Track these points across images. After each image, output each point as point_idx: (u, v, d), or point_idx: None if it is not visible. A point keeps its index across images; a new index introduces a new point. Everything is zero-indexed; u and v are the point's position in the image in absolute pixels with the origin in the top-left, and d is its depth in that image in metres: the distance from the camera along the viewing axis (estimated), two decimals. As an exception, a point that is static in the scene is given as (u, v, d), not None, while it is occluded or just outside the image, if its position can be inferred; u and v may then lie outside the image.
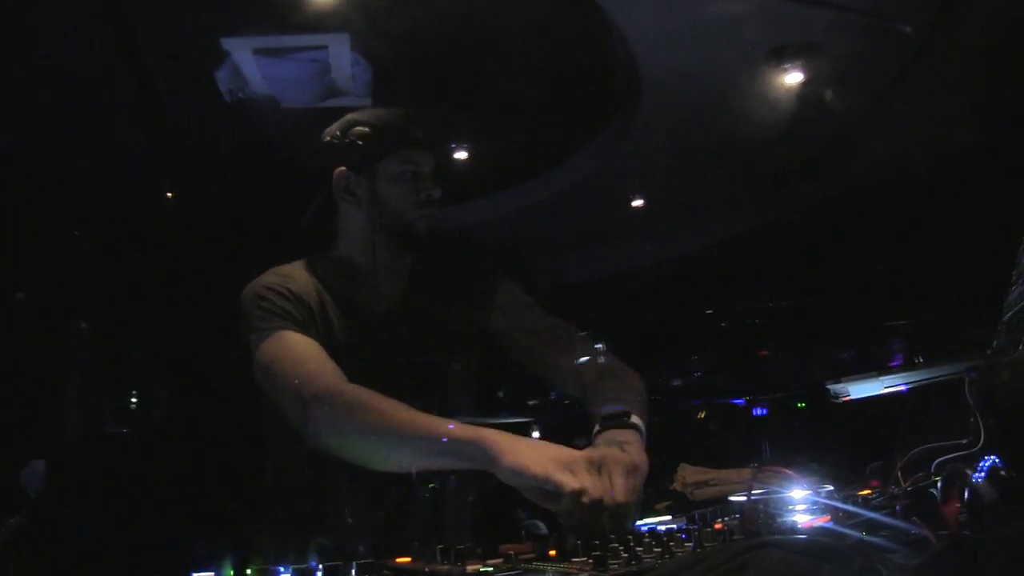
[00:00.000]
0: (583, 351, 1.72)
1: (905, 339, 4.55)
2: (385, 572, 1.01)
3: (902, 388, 1.80)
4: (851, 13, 3.18)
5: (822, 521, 1.20)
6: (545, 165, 4.96)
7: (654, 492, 1.91)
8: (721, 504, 1.59)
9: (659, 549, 1.03)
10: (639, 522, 1.36)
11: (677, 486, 1.95)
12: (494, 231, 5.39)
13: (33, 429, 3.46)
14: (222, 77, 3.21)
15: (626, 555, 0.99)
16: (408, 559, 1.14)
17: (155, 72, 3.34)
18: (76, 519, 3.23)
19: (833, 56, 3.49)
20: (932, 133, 4.28)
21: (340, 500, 1.64)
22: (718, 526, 1.23)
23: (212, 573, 1.01)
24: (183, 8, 3.13)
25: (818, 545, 0.94)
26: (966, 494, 1.00)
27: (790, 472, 1.43)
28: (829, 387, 1.94)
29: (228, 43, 3.12)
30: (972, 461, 1.21)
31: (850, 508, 1.18)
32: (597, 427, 1.44)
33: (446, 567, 1.04)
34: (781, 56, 3.44)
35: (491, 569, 1.01)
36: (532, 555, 1.09)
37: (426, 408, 1.40)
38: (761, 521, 1.17)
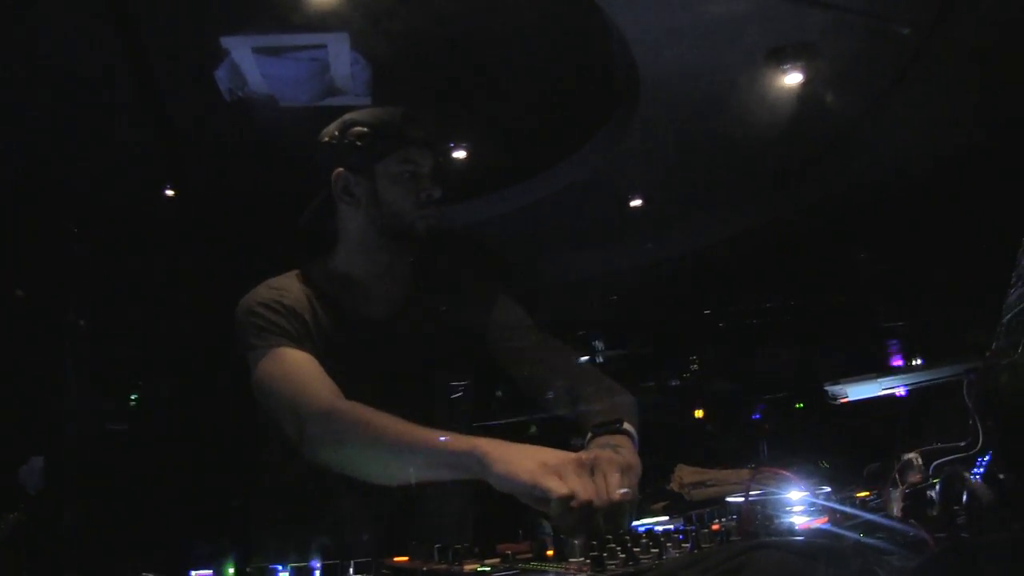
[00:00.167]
0: (576, 369, 1.73)
1: (904, 340, 4.55)
2: (383, 571, 1.01)
3: (900, 390, 1.80)
4: (850, 14, 3.18)
5: (819, 522, 1.20)
6: (544, 164, 4.96)
7: (651, 492, 1.92)
8: (718, 505, 1.59)
9: (656, 550, 1.03)
10: (636, 522, 1.36)
11: (674, 486, 1.95)
12: (493, 230, 5.39)
13: (32, 427, 3.46)
14: (222, 76, 3.20)
15: (623, 555, 0.99)
16: (406, 558, 1.14)
17: (156, 71, 3.33)
18: (74, 516, 3.23)
19: (832, 57, 3.50)
20: (931, 134, 4.29)
21: (338, 500, 1.64)
22: (715, 527, 1.23)
23: (211, 572, 1.01)
24: (183, 7, 3.12)
25: (815, 546, 0.94)
26: (964, 496, 1.00)
27: (787, 473, 1.43)
28: (827, 388, 1.95)
29: (228, 42, 3.12)
30: (970, 463, 1.21)
31: (847, 509, 1.18)
32: (590, 434, 1.45)
33: (443, 566, 1.04)
34: (780, 57, 3.44)
35: (488, 569, 1.01)
36: (529, 555, 1.09)
37: (422, 415, 1.41)
38: (758, 522, 1.17)
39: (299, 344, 1.58)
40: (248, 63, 3.16)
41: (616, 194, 5.21)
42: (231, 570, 1.01)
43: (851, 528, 1.08)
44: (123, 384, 4.34)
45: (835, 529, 1.10)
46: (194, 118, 3.79)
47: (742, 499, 1.32)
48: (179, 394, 4.34)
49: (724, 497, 1.69)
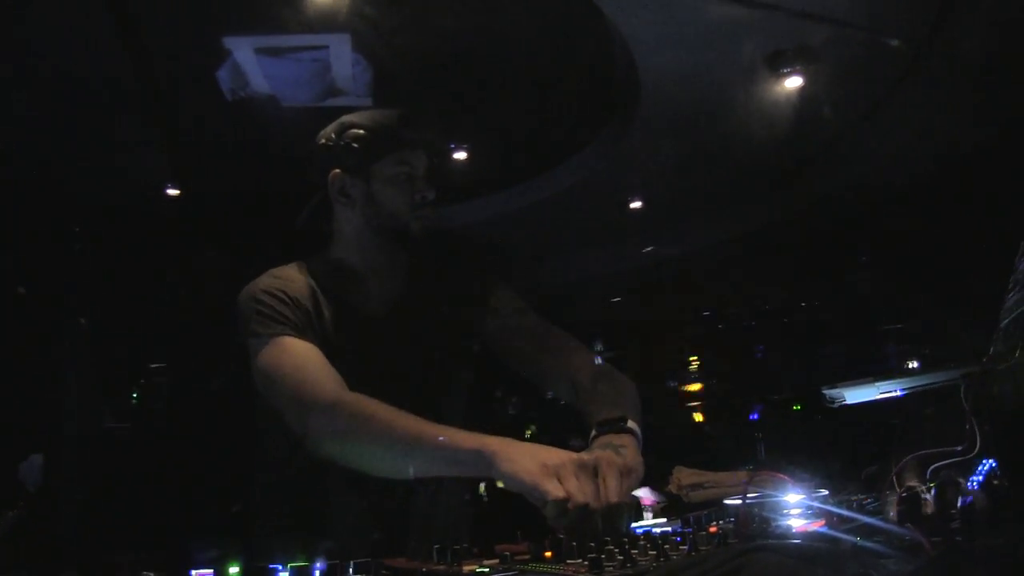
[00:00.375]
0: (577, 357, 1.72)
1: (901, 344, 4.56)
2: (382, 571, 1.01)
3: (898, 394, 1.81)
4: (849, 24, 3.19)
5: (817, 526, 1.20)
6: (544, 166, 4.96)
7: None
8: (716, 507, 1.59)
9: (654, 552, 1.03)
10: (634, 524, 1.36)
11: (672, 488, 1.96)
12: (493, 231, 5.40)
13: (32, 424, 3.46)
14: (223, 76, 3.21)
15: (621, 557, 1.00)
16: (405, 559, 1.15)
17: (159, 70, 3.34)
18: (74, 514, 3.23)
19: (831, 61, 3.51)
20: (930, 137, 4.30)
21: (337, 499, 1.64)
22: (713, 529, 1.23)
23: (211, 571, 1.01)
24: (186, 5, 3.13)
25: (812, 549, 0.94)
26: (959, 501, 1.01)
27: (785, 476, 1.43)
28: (825, 392, 1.95)
29: (229, 42, 3.12)
30: (967, 468, 1.22)
31: (845, 513, 1.19)
32: (594, 432, 1.45)
33: (442, 567, 1.05)
34: (779, 61, 3.45)
35: (487, 570, 1.01)
36: (528, 556, 1.09)
37: (423, 409, 1.41)
38: (756, 525, 1.18)
39: (302, 334, 1.59)
40: (250, 63, 3.17)
41: (616, 196, 5.22)
42: (232, 570, 1.01)
43: (848, 531, 1.08)
44: (124, 382, 4.34)
45: (832, 532, 1.10)
46: (193, 118, 3.80)
47: (740, 502, 1.32)
48: (180, 392, 4.34)
49: (722, 499, 1.70)
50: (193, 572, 1.03)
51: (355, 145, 1.70)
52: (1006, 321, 1.34)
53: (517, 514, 1.30)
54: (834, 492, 1.49)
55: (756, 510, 1.29)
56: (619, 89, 4.03)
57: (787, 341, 5.63)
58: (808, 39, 3.35)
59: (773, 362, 5.72)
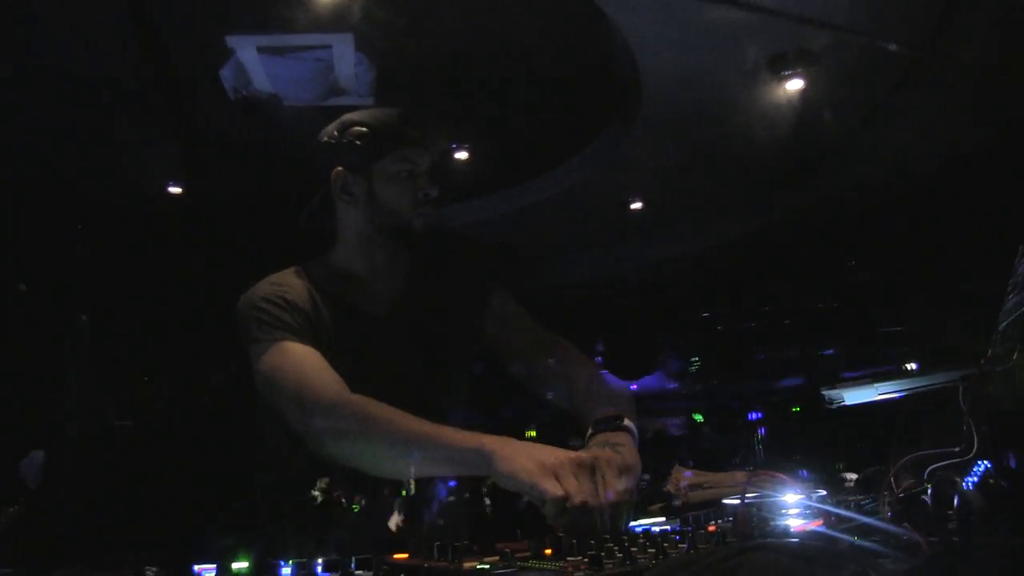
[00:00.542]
0: (572, 359, 1.73)
1: (900, 345, 4.57)
2: (384, 568, 1.02)
3: (896, 395, 1.81)
4: (850, 28, 3.20)
5: (815, 525, 1.21)
6: (545, 166, 4.97)
7: (648, 494, 1.93)
8: (714, 507, 1.60)
9: (653, 550, 1.04)
10: (633, 523, 1.37)
11: (670, 488, 1.96)
12: (494, 230, 5.40)
13: (33, 421, 3.46)
14: (227, 76, 3.22)
15: (621, 555, 1.00)
16: (406, 555, 1.15)
17: (172, 70, 3.34)
18: (75, 510, 3.24)
19: (832, 64, 3.51)
20: (930, 139, 4.31)
21: (340, 496, 1.65)
22: (711, 528, 1.24)
23: (214, 566, 1.01)
24: (190, 9, 3.14)
25: (810, 549, 0.95)
26: (956, 501, 1.01)
27: (783, 476, 1.44)
28: (824, 393, 1.95)
29: (233, 41, 3.13)
30: (965, 469, 1.22)
31: (843, 512, 1.20)
32: (591, 430, 1.46)
33: (443, 564, 1.05)
34: (781, 63, 3.46)
35: (487, 567, 1.02)
36: (528, 554, 1.10)
37: (423, 408, 1.42)
38: (754, 524, 1.19)
39: (302, 338, 1.60)
40: (253, 63, 3.17)
41: (617, 196, 5.22)
42: (234, 565, 1.01)
43: (846, 531, 1.09)
44: (126, 380, 4.35)
45: (830, 532, 1.11)
46: (198, 118, 3.81)
47: (738, 501, 1.33)
48: (181, 391, 4.35)
49: (720, 499, 1.70)
50: (195, 567, 1.04)
51: (357, 143, 1.70)
52: (1005, 323, 1.35)
53: (518, 512, 1.31)
54: (832, 492, 1.50)
55: (754, 510, 1.29)
56: (620, 90, 4.04)
57: (787, 342, 5.63)
58: (809, 42, 3.36)
59: (772, 363, 5.72)
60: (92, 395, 3.74)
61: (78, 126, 3.81)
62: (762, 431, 5.14)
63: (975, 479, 1.16)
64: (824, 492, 1.50)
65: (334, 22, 3.04)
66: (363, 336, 1.69)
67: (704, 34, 3.30)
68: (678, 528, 1.33)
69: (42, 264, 3.81)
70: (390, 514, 1.64)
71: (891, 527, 1.06)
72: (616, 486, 1.25)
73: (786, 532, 1.17)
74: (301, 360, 1.56)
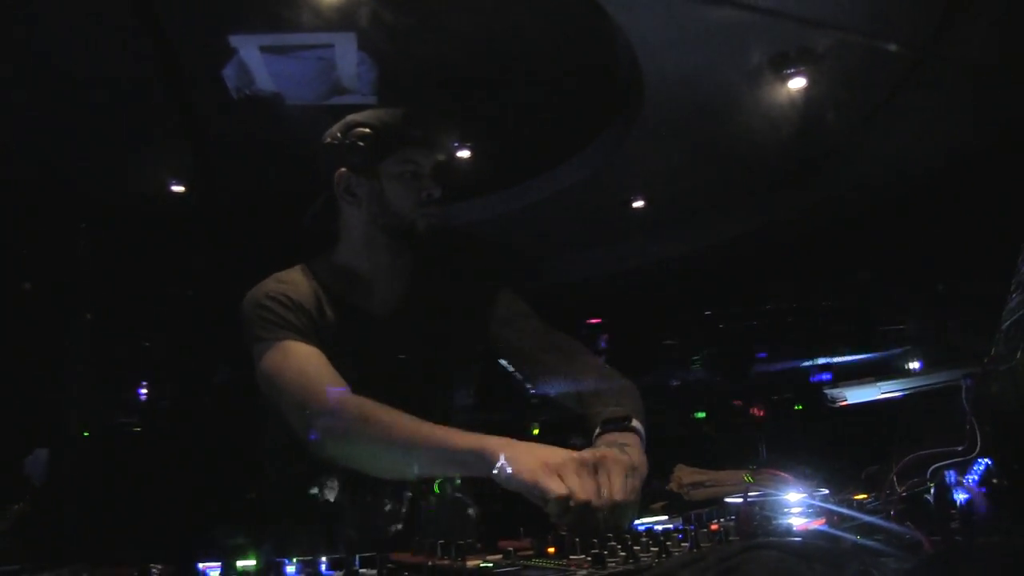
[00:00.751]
0: (579, 358, 1.73)
1: (903, 345, 4.56)
2: (388, 566, 1.02)
3: (899, 394, 1.81)
4: (852, 28, 3.20)
5: (817, 524, 1.21)
6: (547, 165, 4.97)
7: (650, 492, 1.93)
8: (717, 505, 1.60)
9: (656, 548, 1.04)
10: (636, 522, 1.37)
11: (673, 487, 1.96)
12: (497, 229, 5.41)
13: (37, 419, 3.47)
14: (230, 75, 3.22)
15: (624, 554, 1.01)
16: (409, 553, 1.16)
17: (177, 69, 3.35)
18: (79, 508, 3.25)
19: (834, 64, 3.51)
20: (932, 139, 4.30)
21: (343, 495, 1.65)
22: (714, 527, 1.24)
23: (218, 564, 1.02)
24: (194, 9, 3.14)
25: (813, 547, 0.95)
26: (959, 500, 1.02)
27: (786, 475, 1.44)
28: (827, 392, 1.95)
29: (236, 41, 3.13)
30: (968, 468, 1.22)
31: (845, 511, 1.20)
32: (597, 430, 1.46)
33: (447, 562, 1.06)
34: (782, 63, 3.46)
35: (491, 565, 1.02)
36: (531, 552, 1.10)
37: (427, 409, 1.42)
38: (756, 523, 1.19)
39: (306, 338, 1.60)
40: (257, 63, 3.18)
41: (618, 195, 5.22)
42: (239, 563, 1.02)
43: (848, 530, 1.09)
44: (131, 379, 4.36)
45: (832, 531, 1.11)
46: (202, 118, 3.81)
47: (741, 500, 1.33)
48: (186, 389, 4.36)
49: (723, 498, 1.70)
50: (200, 565, 1.04)
51: (361, 144, 1.70)
52: (1007, 323, 1.35)
53: (522, 511, 1.31)
54: (835, 491, 1.50)
55: (757, 508, 1.30)
56: (622, 89, 4.04)
57: (789, 341, 5.63)
58: (811, 42, 3.36)
59: (774, 361, 5.72)
60: (96, 393, 3.75)
61: (81, 125, 3.82)
62: (764, 430, 5.14)
63: (978, 478, 1.16)
64: (827, 491, 1.50)
65: (336, 22, 3.04)
66: (367, 336, 1.69)
67: (706, 34, 3.30)
68: (681, 526, 1.34)
69: (46, 263, 3.82)
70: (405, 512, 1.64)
71: (893, 526, 1.06)
72: (620, 486, 1.25)
73: (788, 531, 1.17)
74: (304, 360, 1.56)
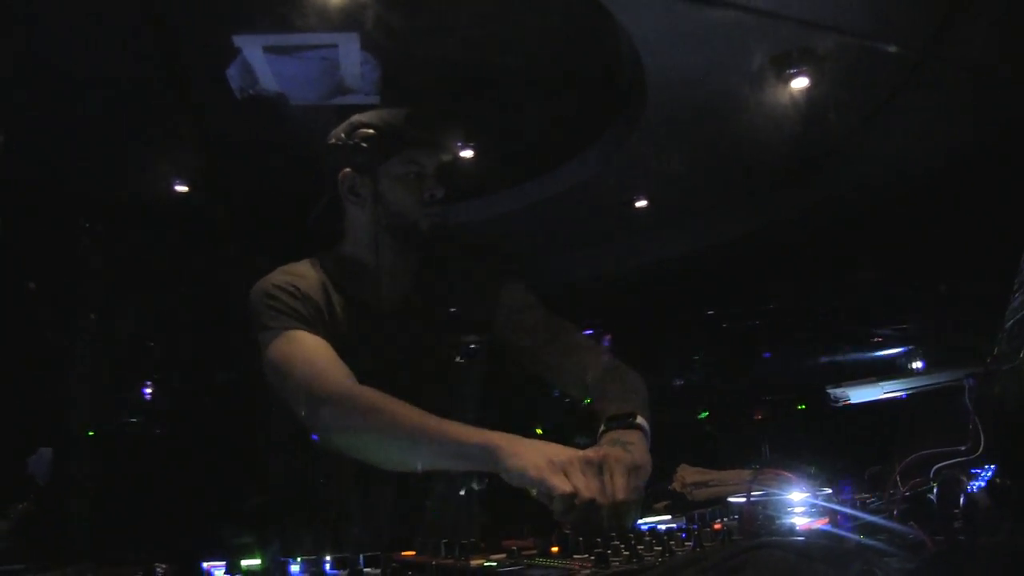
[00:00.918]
0: (586, 352, 1.73)
1: (906, 344, 4.56)
2: (391, 565, 1.03)
3: (902, 394, 1.81)
4: (853, 28, 3.20)
5: (820, 523, 1.21)
6: (549, 165, 4.97)
7: (653, 492, 1.93)
8: (720, 505, 1.60)
9: (659, 548, 1.05)
10: (639, 521, 1.38)
11: (676, 486, 1.97)
12: (497, 229, 5.41)
13: (41, 418, 3.48)
14: (234, 74, 3.23)
15: (627, 553, 1.01)
16: (413, 552, 1.16)
17: (182, 68, 3.35)
18: (84, 507, 3.26)
19: (835, 63, 3.51)
20: (935, 138, 4.30)
21: (347, 492, 1.66)
22: (717, 526, 1.25)
23: (223, 563, 1.02)
24: (197, 7, 3.15)
25: (816, 547, 0.95)
26: (962, 500, 1.02)
27: (789, 474, 1.44)
28: (829, 391, 1.96)
29: (239, 41, 3.14)
30: (970, 467, 1.23)
31: (848, 511, 1.20)
32: (602, 427, 1.46)
33: (450, 561, 1.06)
34: (784, 62, 3.46)
35: (495, 564, 1.03)
36: (535, 551, 1.11)
37: (432, 405, 1.43)
38: (760, 522, 1.19)
39: (313, 328, 1.60)
40: (261, 62, 3.18)
41: (621, 195, 5.23)
42: (244, 561, 1.02)
43: (852, 529, 1.09)
44: (136, 378, 4.36)
45: (836, 530, 1.11)
46: (205, 116, 3.82)
47: (744, 499, 1.33)
48: (191, 388, 4.37)
49: (726, 497, 1.71)
50: (205, 564, 1.05)
51: (365, 144, 1.71)
52: (1011, 322, 1.35)
53: (525, 510, 1.32)
54: (838, 491, 1.50)
55: (760, 508, 1.30)
56: (625, 89, 4.04)
57: (791, 341, 5.63)
58: (813, 41, 3.36)
59: (777, 361, 5.72)
60: (100, 393, 3.76)
61: (83, 125, 3.82)
62: (767, 430, 5.14)
63: (981, 478, 1.17)
64: (830, 490, 1.51)
65: (338, 22, 3.05)
66: (372, 330, 1.70)
67: (708, 33, 3.30)
68: (684, 526, 1.34)
69: (49, 263, 3.83)
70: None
71: (897, 526, 1.06)
72: (624, 484, 1.25)
73: (792, 530, 1.18)
74: (311, 350, 1.57)
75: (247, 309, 1.66)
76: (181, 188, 4.38)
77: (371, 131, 1.72)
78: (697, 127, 4.17)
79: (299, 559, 1.04)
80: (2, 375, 3.37)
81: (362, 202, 1.74)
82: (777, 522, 1.22)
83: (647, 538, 1.09)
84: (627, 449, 1.34)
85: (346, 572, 1.02)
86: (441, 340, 1.78)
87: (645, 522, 1.51)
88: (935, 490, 1.10)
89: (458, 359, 1.80)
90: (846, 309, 5.24)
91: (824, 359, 5.23)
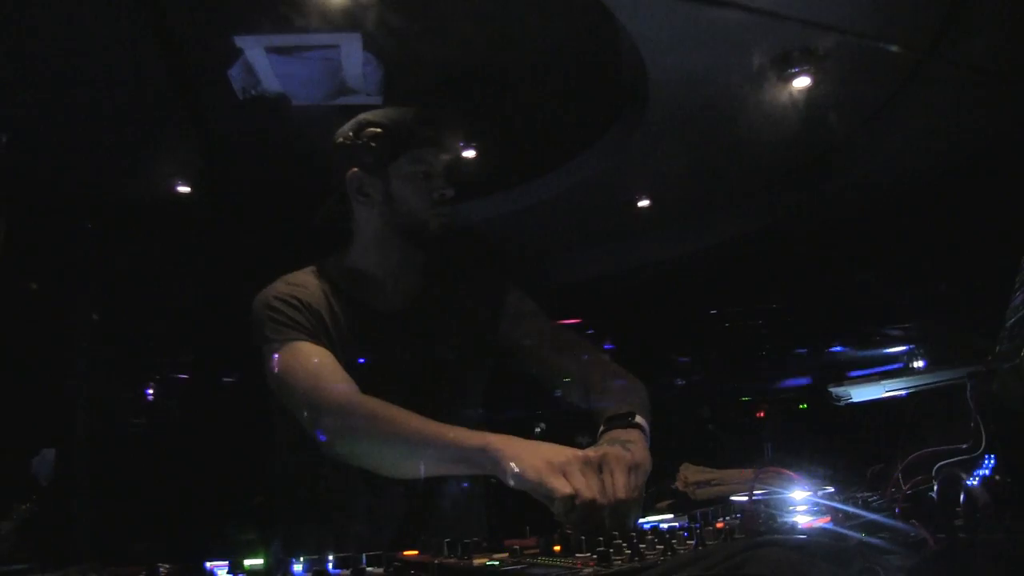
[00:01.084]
0: (587, 356, 1.74)
1: (908, 342, 4.56)
2: (395, 564, 1.03)
3: (904, 392, 1.81)
4: (855, 28, 3.20)
5: (822, 522, 1.21)
6: (551, 164, 4.97)
7: (656, 491, 1.94)
8: (722, 504, 1.60)
9: (661, 546, 1.05)
10: (641, 520, 1.38)
11: (679, 485, 1.97)
12: (499, 229, 5.41)
13: (44, 418, 3.49)
14: (235, 75, 3.23)
15: (629, 551, 1.01)
16: (416, 552, 1.16)
17: (185, 68, 3.36)
18: (87, 507, 3.26)
19: (838, 63, 3.51)
20: (937, 137, 4.30)
21: (350, 494, 1.66)
22: (719, 525, 1.25)
23: (226, 563, 1.03)
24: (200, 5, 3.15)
25: (817, 545, 0.95)
26: (962, 498, 1.02)
27: (791, 473, 1.44)
28: (831, 390, 1.95)
29: (241, 41, 3.14)
30: (973, 466, 1.23)
31: (850, 509, 1.20)
32: (602, 427, 1.47)
33: (453, 560, 1.06)
34: (786, 62, 3.46)
35: (497, 563, 1.03)
36: (537, 550, 1.11)
37: (436, 408, 1.43)
38: (762, 521, 1.19)
39: (315, 339, 1.61)
40: (262, 62, 3.19)
41: (623, 195, 5.23)
42: (247, 561, 1.03)
43: (854, 528, 1.09)
44: (139, 378, 4.37)
45: (837, 528, 1.11)
46: (210, 115, 3.82)
47: (746, 498, 1.34)
48: (194, 389, 4.37)
49: (728, 496, 1.71)
50: (207, 564, 1.05)
51: (373, 144, 1.71)
52: (1011, 321, 1.35)
53: (527, 510, 1.32)
54: (840, 489, 1.50)
55: (762, 506, 1.30)
56: (628, 88, 4.04)
57: (793, 340, 5.63)
58: (815, 42, 3.36)
59: (779, 361, 5.72)
60: (103, 393, 3.76)
61: (83, 124, 3.83)
62: (769, 428, 5.14)
63: (982, 476, 1.17)
64: (832, 489, 1.51)
65: (340, 22, 3.05)
66: (377, 336, 1.70)
67: (710, 33, 3.30)
68: (686, 524, 1.34)
69: (52, 263, 3.83)
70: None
71: (898, 524, 1.06)
72: (624, 483, 1.26)
73: (794, 528, 1.18)
74: (312, 361, 1.57)
75: (249, 320, 1.67)
76: (184, 189, 4.38)
77: (379, 130, 1.72)
78: (699, 127, 4.17)
79: (302, 558, 1.04)
80: (4, 375, 3.38)
81: (370, 202, 1.74)
82: (779, 520, 1.22)
83: (649, 537, 1.09)
84: (627, 448, 1.35)
85: (349, 571, 1.02)
86: (446, 342, 1.78)
87: (647, 521, 1.51)
88: (936, 488, 1.10)
89: (461, 360, 1.80)
90: (847, 308, 5.24)
91: (825, 358, 5.23)
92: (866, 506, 1.27)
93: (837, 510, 1.21)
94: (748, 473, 1.87)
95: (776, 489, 1.44)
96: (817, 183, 4.94)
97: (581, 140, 4.73)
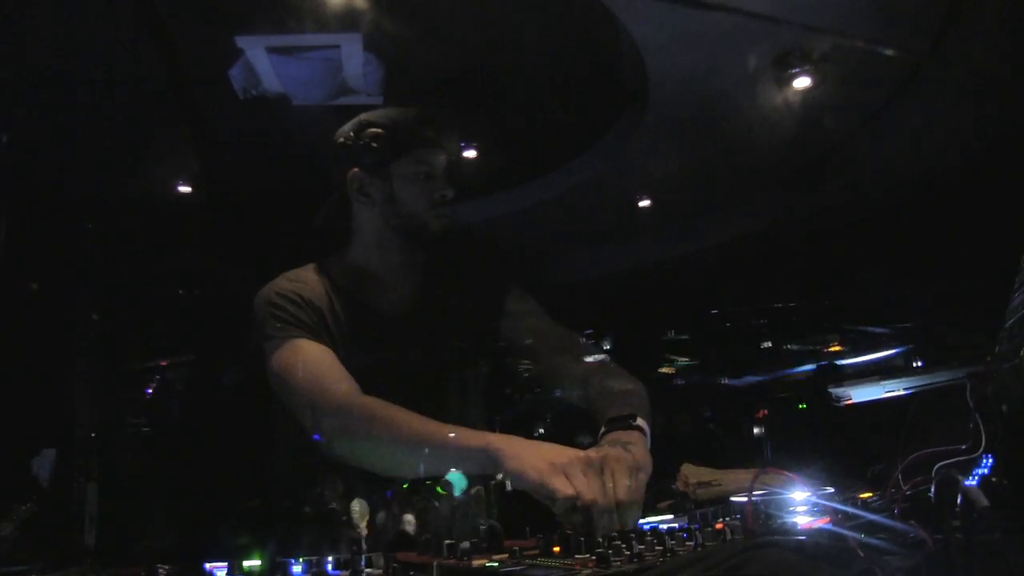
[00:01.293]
0: (587, 357, 1.74)
1: (907, 343, 4.56)
2: (394, 566, 1.03)
3: (903, 393, 1.82)
4: (855, 31, 3.20)
5: (822, 522, 1.21)
6: (551, 165, 4.98)
7: (656, 492, 1.94)
8: (722, 504, 1.60)
9: (661, 547, 1.05)
10: (641, 520, 1.38)
11: (679, 486, 1.97)
12: (500, 229, 5.41)
13: (44, 419, 3.48)
14: (236, 75, 3.23)
15: (629, 552, 1.01)
16: (415, 553, 1.16)
17: (184, 65, 3.35)
18: (87, 508, 3.26)
19: (838, 64, 3.51)
20: (938, 137, 4.30)
21: (350, 494, 1.66)
22: (719, 526, 1.25)
23: (225, 564, 1.03)
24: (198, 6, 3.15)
25: (817, 545, 0.96)
26: (960, 498, 1.02)
27: (791, 474, 1.44)
28: (831, 390, 1.96)
29: (241, 41, 3.14)
30: (972, 466, 1.23)
31: (850, 510, 1.20)
32: (603, 429, 1.47)
33: (453, 561, 1.06)
34: (786, 62, 3.46)
35: (496, 564, 1.03)
36: (537, 551, 1.11)
37: (437, 408, 1.43)
38: (762, 521, 1.19)
39: (316, 336, 1.61)
40: (263, 62, 3.19)
41: (623, 195, 5.23)
42: (246, 563, 1.02)
43: (853, 528, 1.09)
44: (139, 379, 4.37)
45: (837, 529, 1.11)
46: (210, 115, 3.82)
47: (746, 499, 1.34)
48: (195, 389, 4.37)
49: (728, 497, 1.71)
50: (207, 565, 1.05)
51: (374, 144, 1.71)
52: (1011, 321, 1.35)
53: (527, 511, 1.32)
54: (840, 490, 1.50)
55: (762, 507, 1.30)
56: (628, 89, 4.04)
57: (794, 339, 5.62)
58: (815, 44, 3.36)
59: (779, 360, 5.71)
60: (104, 393, 3.76)
61: (83, 124, 3.83)
62: (769, 429, 5.14)
63: (981, 476, 1.17)
64: (832, 489, 1.51)
65: (340, 23, 3.05)
66: (378, 335, 1.70)
67: (710, 34, 3.30)
68: (685, 525, 1.34)
69: (52, 263, 3.83)
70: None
71: (898, 524, 1.06)
72: (625, 485, 1.26)
73: (793, 529, 1.18)
74: (314, 359, 1.57)
75: (250, 316, 1.67)
76: (185, 189, 4.38)
77: (380, 130, 1.72)
78: (699, 127, 4.17)
79: (301, 559, 1.04)
80: (4, 375, 3.37)
81: (371, 202, 1.74)
82: (779, 521, 1.22)
83: (648, 538, 1.10)
84: (627, 449, 1.35)
85: (348, 572, 1.02)
86: (446, 342, 1.78)
87: (646, 522, 1.51)
88: (935, 488, 1.10)
89: (461, 361, 1.80)
90: (848, 308, 5.24)
91: (825, 359, 5.23)
92: (865, 507, 1.27)
93: (837, 511, 1.21)
94: (748, 474, 1.88)
95: (776, 490, 1.44)
96: (817, 183, 4.94)
97: (581, 140, 4.73)
